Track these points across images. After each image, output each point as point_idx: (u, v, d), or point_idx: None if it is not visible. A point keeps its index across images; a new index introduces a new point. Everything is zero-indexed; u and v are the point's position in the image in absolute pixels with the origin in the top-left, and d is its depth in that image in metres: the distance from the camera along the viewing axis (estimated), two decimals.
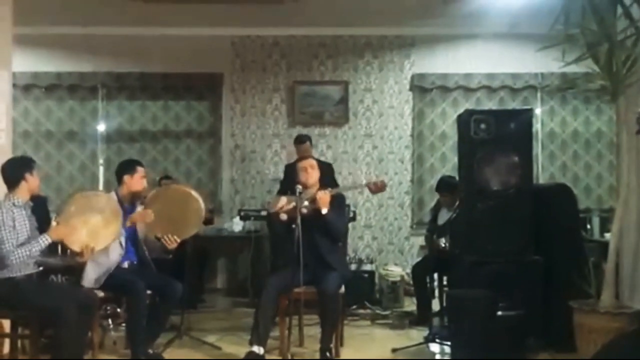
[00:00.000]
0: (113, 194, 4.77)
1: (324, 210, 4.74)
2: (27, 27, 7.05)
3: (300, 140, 6.72)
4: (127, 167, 4.83)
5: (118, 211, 4.51)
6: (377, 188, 4.94)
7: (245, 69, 7.68)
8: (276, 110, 7.68)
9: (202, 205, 4.83)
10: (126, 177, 4.75)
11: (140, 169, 4.81)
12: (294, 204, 4.71)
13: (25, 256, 4.05)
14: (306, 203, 4.74)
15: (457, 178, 5.77)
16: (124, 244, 4.71)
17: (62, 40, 7.43)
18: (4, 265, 4.04)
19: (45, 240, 4.12)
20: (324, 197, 4.74)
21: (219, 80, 7.63)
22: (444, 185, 6.10)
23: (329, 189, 4.91)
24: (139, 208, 4.88)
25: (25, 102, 7.58)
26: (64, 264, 4.50)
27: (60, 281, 4.95)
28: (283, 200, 4.89)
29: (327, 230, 4.81)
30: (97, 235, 4.33)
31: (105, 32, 7.33)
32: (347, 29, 7.54)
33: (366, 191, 7.45)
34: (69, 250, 4.44)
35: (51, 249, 4.40)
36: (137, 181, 4.76)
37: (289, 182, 6.52)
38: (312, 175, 4.96)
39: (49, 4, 6.57)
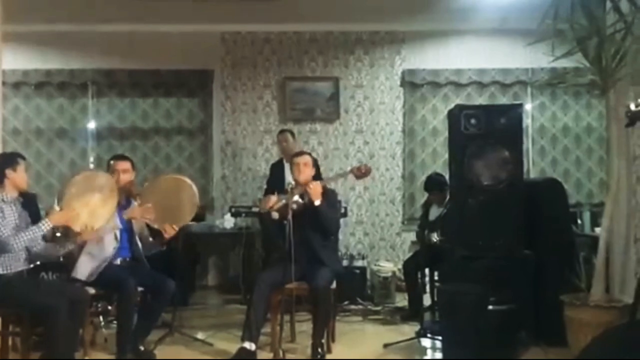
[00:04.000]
0: (111, 178, 4.76)
1: (317, 202, 4.73)
2: (16, 25, 7.03)
3: (280, 131, 6.90)
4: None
5: (115, 189, 4.50)
6: (362, 173, 4.86)
7: (236, 65, 7.66)
8: (267, 107, 7.68)
9: (195, 190, 4.84)
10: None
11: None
12: (284, 201, 4.71)
13: (26, 240, 4.05)
14: (296, 198, 4.74)
15: (446, 174, 5.78)
16: (119, 237, 4.70)
17: (52, 37, 7.39)
18: (5, 250, 4.03)
19: (46, 224, 4.12)
20: (315, 188, 4.73)
21: (209, 76, 7.62)
22: (433, 184, 6.11)
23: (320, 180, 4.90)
24: (135, 204, 4.87)
25: (14, 99, 7.53)
26: (63, 250, 4.46)
27: (51, 278, 4.93)
28: (273, 199, 4.88)
29: (320, 222, 4.80)
30: (95, 213, 4.33)
31: (95, 29, 7.29)
32: (337, 24, 7.54)
33: (357, 187, 7.59)
34: (59, 234, 4.42)
35: (45, 238, 4.38)
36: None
37: (275, 180, 6.56)
38: (304, 172, 4.94)
39: (39, 1, 6.53)
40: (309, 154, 5.16)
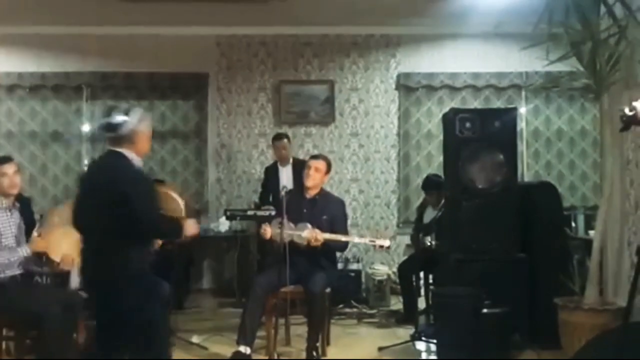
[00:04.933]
0: None
1: (319, 243, 4.74)
2: (10, 27, 7.05)
3: (278, 137, 6.83)
4: None
5: None
6: (380, 249, 4.93)
7: (231, 68, 7.66)
8: (262, 110, 7.68)
9: (181, 203, 4.81)
10: None
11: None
12: (278, 231, 4.69)
13: (3, 265, 4.04)
14: (302, 241, 4.73)
15: (443, 176, 5.79)
16: None
17: (47, 40, 7.38)
18: None
19: (25, 251, 4.13)
20: (315, 242, 4.70)
21: (204, 79, 7.61)
22: (430, 184, 6.12)
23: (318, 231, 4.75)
24: None
25: (9, 102, 7.51)
26: (47, 271, 4.48)
27: (44, 283, 4.91)
28: (268, 230, 4.85)
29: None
30: (77, 246, 4.27)
31: (90, 32, 7.30)
32: (333, 28, 7.55)
33: (352, 190, 7.61)
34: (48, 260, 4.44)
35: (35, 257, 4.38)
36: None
37: (270, 183, 6.58)
38: (313, 177, 4.90)
39: (33, 4, 6.52)
40: (325, 158, 5.09)
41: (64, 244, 4.24)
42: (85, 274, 3.34)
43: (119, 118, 3.23)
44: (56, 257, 4.23)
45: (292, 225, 4.76)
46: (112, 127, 3.25)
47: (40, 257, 4.37)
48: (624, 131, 3.85)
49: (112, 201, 3.11)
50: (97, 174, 3.32)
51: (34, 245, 4.16)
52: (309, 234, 4.70)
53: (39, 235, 4.22)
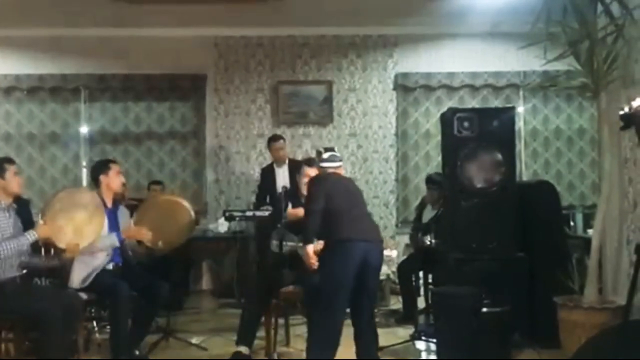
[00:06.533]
0: (96, 195, 4.76)
1: None
2: (8, 29, 7.04)
3: (274, 138, 6.84)
4: (100, 167, 4.83)
5: (101, 206, 4.51)
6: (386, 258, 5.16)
7: (229, 69, 7.65)
8: (260, 111, 7.67)
9: (193, 214, 4.89)
10: (102, 177, 4.73)
11: (113, 166, 4.81)
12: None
13: (12, 249, 4.01)
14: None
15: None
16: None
17: (44, 42, 7.38)
18: None
19: (32, 235, 4.09)
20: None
21: (202, 80, 7.61)
22: (432, 179, 6.12)
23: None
24: (122, 209, 4.88)
25: (6, 105, 7.51)
26: (48, 264, 4.48)
27: (44, 284, 4.91)
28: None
29: None
30: (81, 231, 4.31)
31: (87, 34, 7.30)
32: (330, 28, 7.56)
33: None
34: (52, 250, 4.44)
35: (34, 249, 4.37)
36: (113, 178, 4.74)
37: (266, 184, 6.57)
38: None
39: (31, 6, 6.51)
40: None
41: (68, 230, 4.25)
42: (370, 234, 4.32)
43: (338, 155, 4.56)
44: (61, 243, 4.22)
45: (294, 237, 4.76)
46: (338, 159, 4.53)
47: (39, 251, 4.38)
48: (626, 129, 3.86)
49: (361, 195, 4.54)
50: (345, 183, 4.51)
51: (41, 231, 4.15)
52: (313, 247, 4.67)
53: (44, 223, 4.22)
